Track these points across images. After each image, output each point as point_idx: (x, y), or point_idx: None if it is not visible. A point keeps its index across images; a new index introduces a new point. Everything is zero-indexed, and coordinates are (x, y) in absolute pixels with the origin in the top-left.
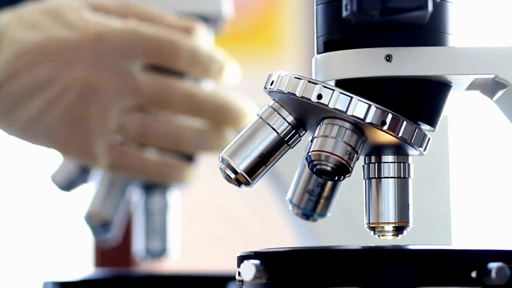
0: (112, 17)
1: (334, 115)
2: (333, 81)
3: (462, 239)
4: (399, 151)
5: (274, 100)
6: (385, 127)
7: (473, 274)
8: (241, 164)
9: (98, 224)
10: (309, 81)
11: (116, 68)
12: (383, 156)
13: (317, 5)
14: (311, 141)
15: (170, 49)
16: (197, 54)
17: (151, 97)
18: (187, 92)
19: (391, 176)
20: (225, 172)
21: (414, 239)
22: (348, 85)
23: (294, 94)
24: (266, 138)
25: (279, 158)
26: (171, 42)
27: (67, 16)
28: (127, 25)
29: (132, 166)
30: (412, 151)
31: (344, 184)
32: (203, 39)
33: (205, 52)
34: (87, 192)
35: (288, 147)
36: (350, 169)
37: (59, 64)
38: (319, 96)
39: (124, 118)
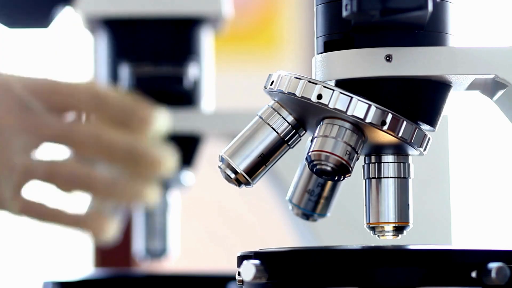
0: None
1: (334, 115)
2: (333, 81)
3: (462, 239)
4: (399, 151)
5: (274, 100)
6: (385, 127)
7: (473, 274)
8: (241, 164)
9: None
10: (309, 81)
11: (19, 110)
12: (383, 156)
13: (317, 5)
14: (311, 141)
15: (67, 88)
16: (103, 97)
17: (56, 137)
18: (95, 133)
19: (391, 176)
20: (225, 172)
21: (414, 239)
22: (348, 85)
23: (294, 94)
24: (266, 138)
25: (279, 158)
26: (65, 82)
27: None
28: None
29: (42, 215)
30: (412, 151)
31: (344, 184)
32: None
33: (115, 95)
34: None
35: (288, 147)
36: (350, 169)
37: None
38: (319, 96)
39: (31, 162)
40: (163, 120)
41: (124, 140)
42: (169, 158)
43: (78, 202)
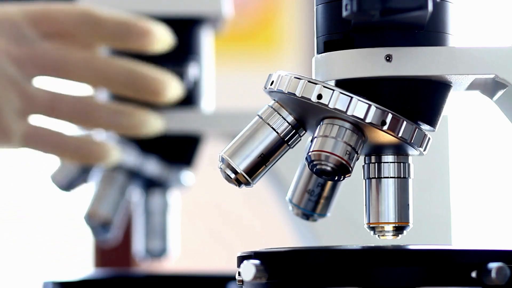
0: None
1: (334, 115)
2: (333, 81)
3: (462, 239)
4: (399, 151)
5: (274, 100)
6: (385, 127)
7: (473, 274)
8: (241, 164)
9: (98, 224)
10: (309, 81)
11: (13, 38)
12: (383, 156)
13: (317, 5)
14: (311, 141)
15: (59, 12)
16: (98, 20)
17: (50, 67)
18: (89, 59)
19: (391, 176)
20: (225, 172)
21: (414, 239)
22: (348, 85)
23: (294, 94)
24: (266, 138)
25: (279, 158)
26: (57, 7)
27: None
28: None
29: (46, 143)
30: (412, 151)
31: (344, 184)
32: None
33: (108, 13)
34: (87, 192)
35: (288, 147)
36: (350, 169)
37: None
38: (319, 96)
39: (31, 91)
40: (162, 34)
41: (121, 62)
42: (172, 83)
43: (77, 202)
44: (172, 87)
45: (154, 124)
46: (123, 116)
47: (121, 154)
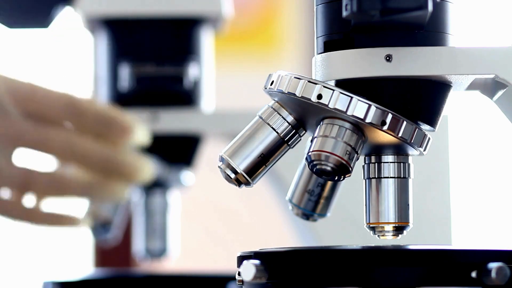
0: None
1: (334, 115)
2: (333, 81)
3: (462, 239)
4: (399, 151)
5: (274, 100)
6: (385, 127)
7: (473, 274)
8: (241, 164)
9: (98, 224)
10: (309, 81)
11: None
12: (383, 156)
13: (317, 5)
14: (311, 141)
15: (44, 96)
16: (80, 107)
17: (31, 143)
18: (70, 142)
19: (391, 176)
20: (225, 172)
21: (414, 239)
22: (348, 85)
23: (294, 94)
24: (266, 138)
25: (279, 158)
26: (44, 90)
27: None
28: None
29: (16, 215)
30: (412, 151)
31: (344, 184)
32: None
33: (92, 106)
34: None
35: (288, 147)
36: (350, 169)
37: None
38: (319, 96)
39: (6, 167)
40: (142, 132)
41: (100, 149)
42: (146, 168)
43: (77, 202)
44: (145, 172)
45: (126, 191)
46: (97, 189)
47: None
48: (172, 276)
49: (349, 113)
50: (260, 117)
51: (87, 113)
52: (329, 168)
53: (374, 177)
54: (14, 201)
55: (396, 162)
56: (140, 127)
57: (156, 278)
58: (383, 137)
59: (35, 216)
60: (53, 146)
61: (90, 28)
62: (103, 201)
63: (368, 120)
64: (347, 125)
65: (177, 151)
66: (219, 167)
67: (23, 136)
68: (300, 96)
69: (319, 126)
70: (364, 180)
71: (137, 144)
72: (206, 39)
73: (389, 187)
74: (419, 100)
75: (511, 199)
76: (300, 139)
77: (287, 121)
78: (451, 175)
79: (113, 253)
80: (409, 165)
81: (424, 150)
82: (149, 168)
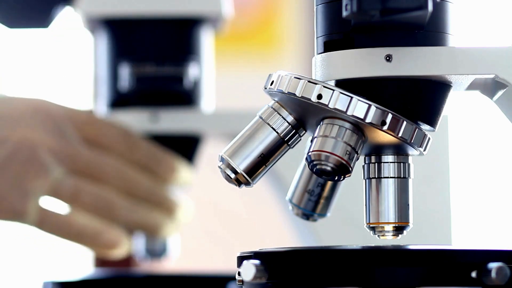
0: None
1: (334, 115)
2: (333, 81)
3: (462, 239)
4: (399, 151)
5: (274, 100)
6: (385, 127)
7: (473, 274)
8: (241, 164)
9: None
10: (309, 81)
11: (56, 133)
12: (383, 156)
13: (317, 5)
14: (311, 141)
15: (101, 124)
16: (134, 141)
17: (85, 166)
18: (121, 170)
19: (391, 176)
20: (225, 172)
21: (414, 239)
22: (348, 85)
23: (294, 94)
24: (266, 138)
25: (279, 158)
26: (102, 118)
27: None
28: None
29: (58, 228)
30: (412, 151)
31: (344, 184)
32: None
33: (146, 145)
34: None
35: (288, 147)
36: (350, 169)
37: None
38: (319, 96)
39: (58, 181)
40: (186, 174)
41: (148, 181)
42: (186, 208)
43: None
44: (183, 213)
45: (170, 228)
46: (142, 216)
47: (131, 245)
48: (172, 276)
49: (349, 113)
50: (260, 117)
51: (140, 146)
52: (329, 168)
53: (374, 177)
54: (55, 214)
55: (396, 162)
56: (185, 169)
57: (156, 278)
58: (383, 137)
59: (75, 231)
60: (106, 171)
61: (90, 28)
62: (149, 235)
63: (368, 120)
64: (347, 125)
65: (177, 151)
66: (219, 167)
67: (79, 157)
68: (300, 96)
69: (319, 126)
70: (364, 180)
71: (181, 184)
72: (206, 39)
73: (389, 187)
74: (419, 100)
75: (511, 199)
76: (300, 139)
77: (287, 121)
78: (451, 175)
79: None
80: (409, 165)
81: (424, 150)
82: (189, 207)
